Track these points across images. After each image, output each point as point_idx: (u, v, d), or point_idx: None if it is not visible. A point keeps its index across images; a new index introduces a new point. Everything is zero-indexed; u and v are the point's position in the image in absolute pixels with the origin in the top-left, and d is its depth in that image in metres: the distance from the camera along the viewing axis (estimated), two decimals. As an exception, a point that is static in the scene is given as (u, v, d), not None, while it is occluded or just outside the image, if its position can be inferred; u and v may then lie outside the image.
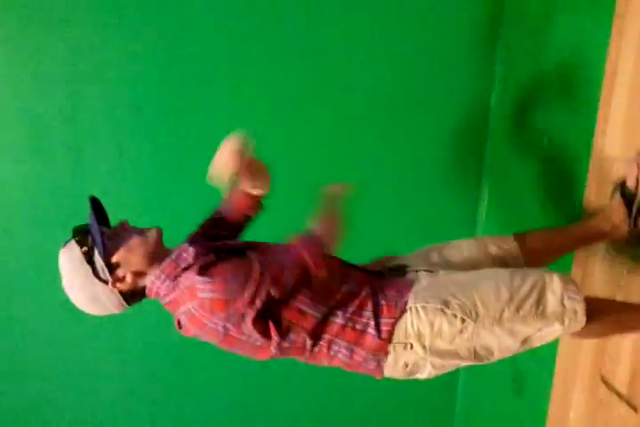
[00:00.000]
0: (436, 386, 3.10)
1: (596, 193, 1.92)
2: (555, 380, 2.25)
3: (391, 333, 1.43)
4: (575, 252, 2.04)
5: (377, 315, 1.43)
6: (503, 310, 1.42)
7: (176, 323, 1.46)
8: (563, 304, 1.43)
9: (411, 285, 1.50)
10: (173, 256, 1.44)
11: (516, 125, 2.44)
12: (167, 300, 1.44)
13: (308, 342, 1.44)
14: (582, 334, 1.51)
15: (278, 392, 2.95)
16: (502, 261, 1.70)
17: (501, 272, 1.51)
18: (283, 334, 1.41)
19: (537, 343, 1.49)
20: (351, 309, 1.43)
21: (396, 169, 2.62)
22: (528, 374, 2.49)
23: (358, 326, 1.43)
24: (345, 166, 2.53)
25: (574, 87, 2.03)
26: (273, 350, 1.43)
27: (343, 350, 1.46)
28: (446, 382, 3.08)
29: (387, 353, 1.45)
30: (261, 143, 1.58)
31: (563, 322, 1.43)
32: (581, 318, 1.43)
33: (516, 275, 1.47)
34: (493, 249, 1.72)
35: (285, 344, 1.43)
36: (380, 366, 1.47)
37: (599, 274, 1.94)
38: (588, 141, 1.93)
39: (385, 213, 2.64)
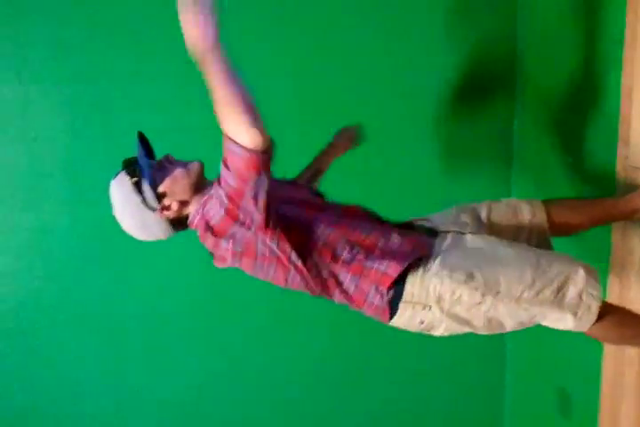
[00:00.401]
0: (482, 413, 3.09)
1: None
2: (602, 395, 2.20)
3: (398, 273, 1.47)
4: (614, 251, 2.05)
5: (387, 259, 1.49)
6: (524, 292, 1.46)
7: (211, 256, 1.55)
8: (580, 297, 1.46)
9: (430, 245, 1.55)
10: (212, 191, 1.51)
11: (541, 142, 2.52)
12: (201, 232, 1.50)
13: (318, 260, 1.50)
14: (590, 331, 1.53)
15: (320, 354, 2.91)
16: (527, 227, 1.74)
17: (531, 253, 1.54)
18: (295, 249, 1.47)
19: (546, 324, 1.53)
20: (360, 249, 1.50)
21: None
22: (574, 394, 2.43)
23: (367, 263, 1.50)
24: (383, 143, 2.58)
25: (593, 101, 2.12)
26: (294, 257, 1.48)
27: (347, 281, 1.51)
28: (491, 406, 3.05)
29: (388, 287, 1.48)
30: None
31: (576, 314, 1.47)
32: (594, 312, 1.47)
33: (544, 260, 1.51)
34: (521, 214, 1.75)
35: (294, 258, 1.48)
36: (383, 301, 1.50)
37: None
38: (612, 148, 2.00)
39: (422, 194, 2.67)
